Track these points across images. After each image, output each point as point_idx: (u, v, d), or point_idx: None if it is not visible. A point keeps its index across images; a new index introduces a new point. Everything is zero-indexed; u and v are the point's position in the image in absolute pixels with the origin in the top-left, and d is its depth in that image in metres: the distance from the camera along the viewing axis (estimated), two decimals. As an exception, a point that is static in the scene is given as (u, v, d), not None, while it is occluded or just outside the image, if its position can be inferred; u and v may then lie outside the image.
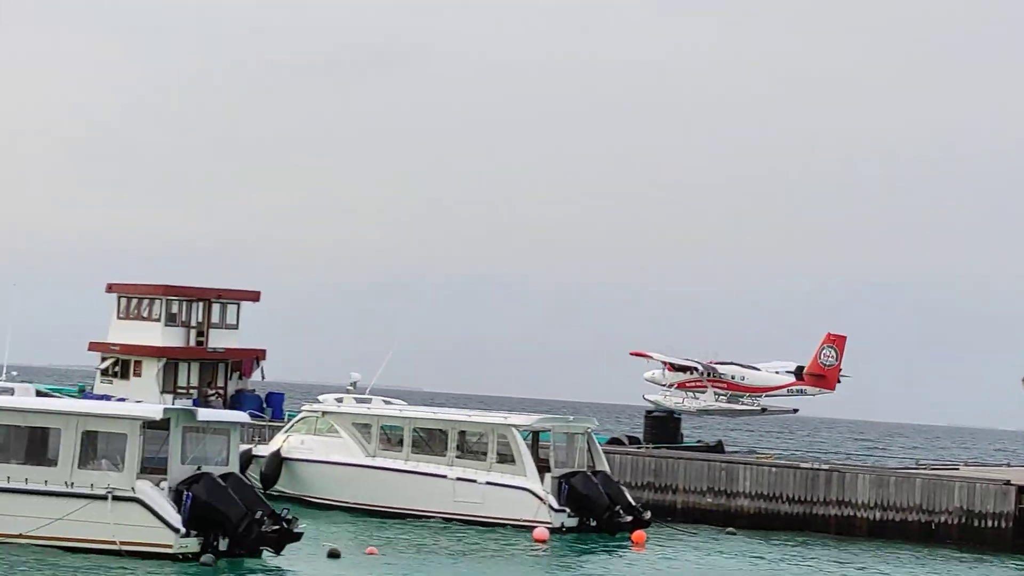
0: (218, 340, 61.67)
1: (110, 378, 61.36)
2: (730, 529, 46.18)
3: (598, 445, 46.53)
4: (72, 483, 32.26)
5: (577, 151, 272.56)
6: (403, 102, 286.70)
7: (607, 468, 45.40)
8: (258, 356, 63.70)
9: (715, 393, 72.31)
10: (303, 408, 50.30)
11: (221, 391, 61.22)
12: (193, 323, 61.71)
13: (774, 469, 48.38)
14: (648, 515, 44.14)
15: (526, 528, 42.26)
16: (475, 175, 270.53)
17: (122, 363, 61.38)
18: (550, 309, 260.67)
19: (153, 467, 32.60)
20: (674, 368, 72.75)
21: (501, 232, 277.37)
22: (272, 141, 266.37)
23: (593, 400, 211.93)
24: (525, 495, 43.34)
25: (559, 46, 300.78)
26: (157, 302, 61.41)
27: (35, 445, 33.26)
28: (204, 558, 31.91)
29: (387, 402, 49.13)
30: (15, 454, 33.19)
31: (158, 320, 61.16)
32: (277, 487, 47.05)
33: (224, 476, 32.92)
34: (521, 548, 39.65)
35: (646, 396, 75.03)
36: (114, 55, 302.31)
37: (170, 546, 31.73)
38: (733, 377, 72.90)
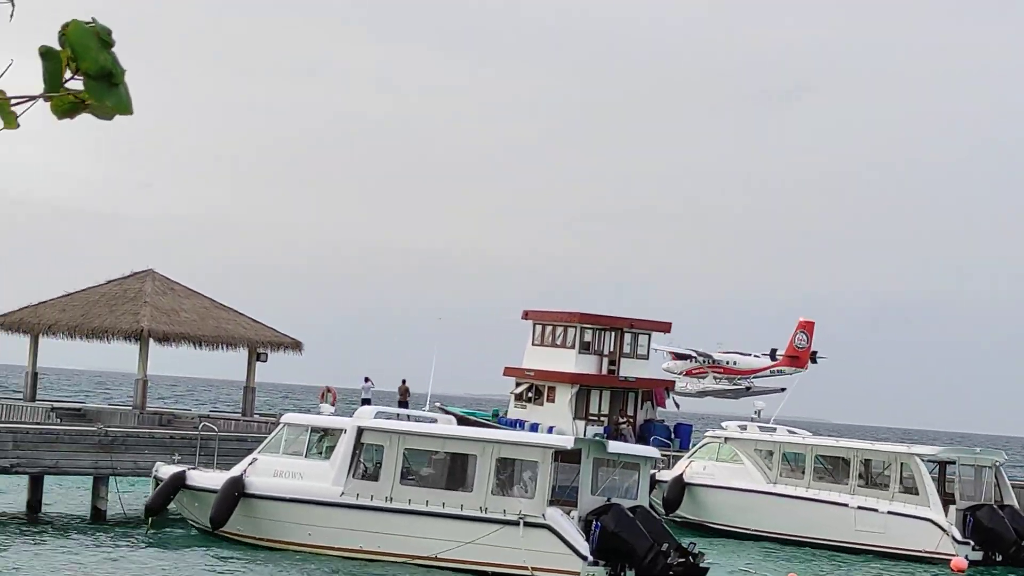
0: (629, 369, 63.07)
1: (524, 403, 63.39)
2: None
3: (1007, 479, 45.83)
4: (486, 508, 33.49)
5: None
6: None
7: (1015, 503, 44.72)
8: (668, 386, 65.05)
9: (714, 377, 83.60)
10: (706, 435, 51.17)
11: (631, 419, 62.40)
12: (606, 351, 63.36)
13: None
14: (1059, 551, 43.23)
15: (927, 560, 42.14)
16: None
17: (536, 389, 63.36)
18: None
19: (564, 496, 33.57)
20: (676, 356, 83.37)
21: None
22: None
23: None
24: (928, 526, 43.05)
25: None
26: (572, 330, 63.22)
27: (453, 471, 34.77)
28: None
29: (790, 431, 49.62)
30: (435, 480, 34.90)
31: (572, 347, 62.97)
32: (679, 512, 47.94)
33: (632, 508, 33.39)
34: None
35: None
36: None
37: (577, 573, 32.36)
38: (727, 363, 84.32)
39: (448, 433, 35.80)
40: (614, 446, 35.20)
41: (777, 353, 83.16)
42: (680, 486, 48.32)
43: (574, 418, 61.11)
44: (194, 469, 38.25)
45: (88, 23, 3.26)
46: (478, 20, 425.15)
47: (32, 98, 3.27)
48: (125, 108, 3.29)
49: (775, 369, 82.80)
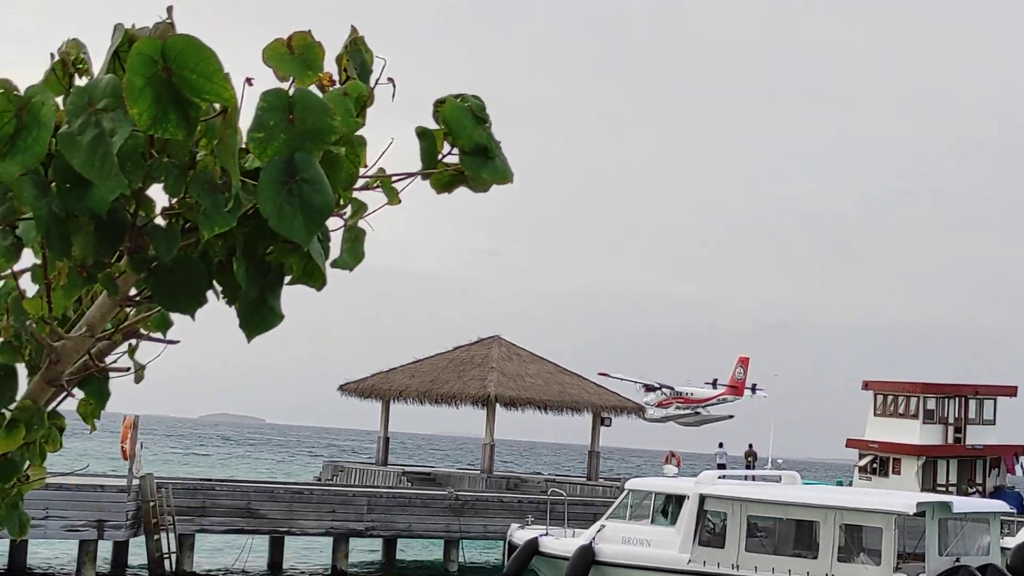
0: (976, 436, 61.44)
1: (868, 475, 62.31)
2: None
3: None
4: (832, 575, 33.25)
5: None
6: None
7: None
8: (1017, 452, 62.93)
9: (676, 406, 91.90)
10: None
11: (980, 488, 60.81)
12: (950, 420, 61.84)
13: None
14: None
15: None
16: None
17: (880, 460, 62.23)
18: None
19: (910, 559, 32.95)
20: (648, 389, 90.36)
21: None
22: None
23: None
24: None
25: None
26: (914, 399, 61.93)
27: (799, 537, 34.46)
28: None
29: None
30: (781, 546, 34.63)
31: (915, 417, 61.68)
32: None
33: (983, 568, 32.70)
34: None
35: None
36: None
37: None
38: (686, 394, 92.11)
39: (791, 500, 35.40)
40: (960, 504, 34.44)
41: (718, 383, 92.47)
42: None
43: (921, 490, 59.66)
44: (546, 535, 38.70)
45: (462, 100, 3.36)
46: None
47: (412, 175, 3.39)
48: (503, 177, 3.37)
49: (722, 397, 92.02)
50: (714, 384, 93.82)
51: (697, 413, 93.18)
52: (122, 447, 38.16)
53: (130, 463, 38.01)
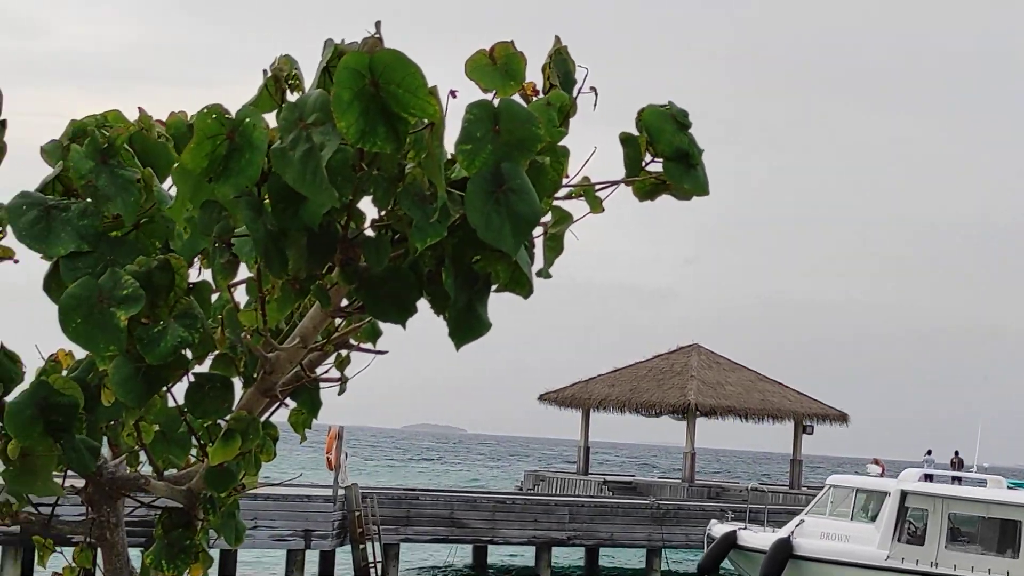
0: None
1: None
2: None
3: None
4: None
5: None
6: None
7: None
8: None
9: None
10: None
11: None
12: None
13: None
14: None
15: None
16: None
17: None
18: None
19: None
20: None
21: None
22: None
23: None
24: None
25: None
26: None
27: (1001, 536, 34.09)
28: None
29: None
30: (981, 545, 34.27)
31: None
32: None
33: None
34: None
35: None
36: None
37: None
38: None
39: (993, 498, 35.06)
40: None
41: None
42: None
43: None
44: (745, 529, 38.61)
45: (663, 107, 3.36)
46: None
47: (615, 183, 3.39)
48: (702, 189, 3.36)
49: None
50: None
51: None
52: (327, 457, 38.73)
53: (335, 473, 38.56)
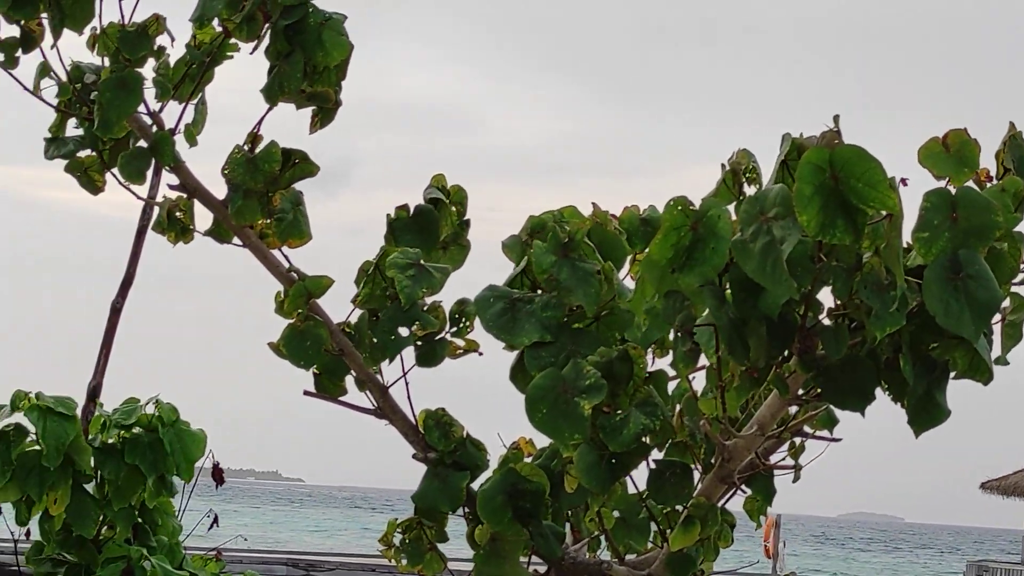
0: None
1: None
2: None
3: None
4: None
5: None
6: None
7: None
8: None
9: None
10: None
11: None
12: None
13: None
14: None
15: None
16: None
17: None
18: None
19: None
20: None
21: None
22: None
23: None
24: None
25: None
26: None
27: None
28: None
29: None
30: None
31: None
32: None
33: None
34: None
35: None
36: None
37: None
38: None
39: None
40: None
41: None
42: None
43: None
44: None
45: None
46: None
47: None
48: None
49: None
50: None
51: None
52: (765, 546, 38.43)
53: (773, 562, 38.21)
